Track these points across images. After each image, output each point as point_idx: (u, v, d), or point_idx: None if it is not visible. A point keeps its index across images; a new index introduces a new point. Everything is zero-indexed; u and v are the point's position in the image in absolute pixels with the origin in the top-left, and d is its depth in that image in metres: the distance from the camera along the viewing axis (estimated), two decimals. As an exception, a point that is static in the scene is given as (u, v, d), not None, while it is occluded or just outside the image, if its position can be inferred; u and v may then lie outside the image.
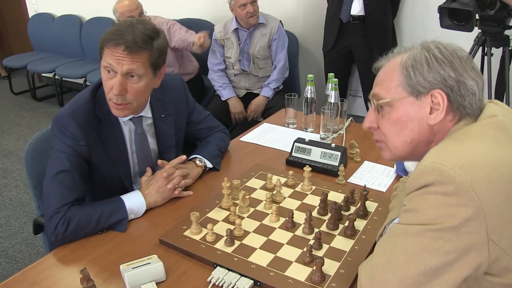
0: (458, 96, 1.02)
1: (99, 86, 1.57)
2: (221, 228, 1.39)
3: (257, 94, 3.41)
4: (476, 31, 2.55)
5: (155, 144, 1.72)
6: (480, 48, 2.57)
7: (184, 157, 1.69)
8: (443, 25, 2.43)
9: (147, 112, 1.65)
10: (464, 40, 2.14)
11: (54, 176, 1.44)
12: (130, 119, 1.61)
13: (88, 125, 1.51)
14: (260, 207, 1.51)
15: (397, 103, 1.06)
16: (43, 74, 5.81)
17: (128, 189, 1.63)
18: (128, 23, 1.48)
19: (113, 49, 1.42)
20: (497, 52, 2.64)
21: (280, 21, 3.38)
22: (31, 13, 5.70)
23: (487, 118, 1.03)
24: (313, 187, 1.62)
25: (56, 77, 5.04)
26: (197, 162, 1.74)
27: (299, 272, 1.21)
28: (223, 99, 3.39)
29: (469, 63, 1.04)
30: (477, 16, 2.45)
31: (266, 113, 3.32)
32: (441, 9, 2.40)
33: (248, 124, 2.88)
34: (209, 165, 1.76)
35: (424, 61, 1.03)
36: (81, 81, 4.84)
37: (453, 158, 0.92)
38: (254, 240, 1.34)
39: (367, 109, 3.36)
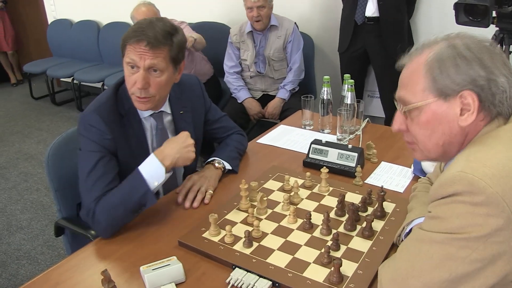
0: (489, 95, 0.97)
1: (120, 84, 1.62)
2: (240, 230, 1.40)
3: (273, 96, 3.41)
4: (494, 28, 2.52)
5: None
6: (498, 46, 2.54)
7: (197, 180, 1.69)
8: (458, 21, 2.40)
9: (166, 108, 1.69)
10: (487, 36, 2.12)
11: (87, 177, 1.48)
12: (151, 115, 1.65)
13: (113, 120, 1.55)
14: (277, 209, 1.52)
15: (425, 107, 1.02)
16: (62, 79, 5.90)
17: None
18: (148, 21, 1.53)
19: (136, 45, 1.47)
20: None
21: (295, 23, 3.39)
22: (50, 19, 5.80)
23: None
24: (330, 188, 1.62)
25: (75, 81, 5.13)
26: (216, 164, 1.75)
27: (317, 273, 1.21)
28: (239, 101, 3.41)
29: (500, 58, 0.99)
30: (494, 14, 2.43)
31: (283, 114, 3.32)
32: (457, 5, 2.37)
33: (265, 126, 2.89)
34: (228, 166, 1.78)
35: (451, 62, 0.98)
36: (99, 85, 4.91)
37: (483, 166, 0.90)
38: (272, 242, 1.35)
39: (384, 109, 3.37)
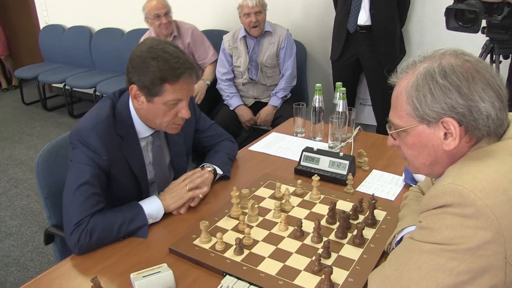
0: (471, 121, 0.97)
1: (116, 102, 1.59)
2: (230, 237, 1.40)
3: (265, 103, 3.42)
4: (484, 38, 2.55)
5: (168, 154, 1.76)
6: (488, 56, 2.56)
7: (198, 169, 1.72)
8: (449, 26, 2.42)
9: None
10: (471, 47, 2.14)
11: (76, 189, 1.43)
12: (151, 134, 1.64)
13: (111, 141, 1.51)
14: (269, 216, 1.52)
15: (410, 130, 1.05)
16: (53, 85, 5.87)
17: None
18: (174, 49, 1.48)
19: (188, 80, 1.48)
20: (506, 60, 2.64)
21: (288, 29, 3.40)
22: (42, 24, 5.78)
23: (511, 137, 1.00)
24: (322, 196, 1.62)
25: (67, 87, 5.11)
26: (206, 168, 1.75)
27: (308, 281, 1.21)
28: (231, 108, 3.41)
29: (481, 82, 0.97)
30: (484, 23, 2.45)
31: (275, 122, 3.33)
32: (447, 11, 2.39)
33: (258, 133, 2.89)
34: (220, 171, 1.77)
35: (428, 91, 0.99)
36: (91, 91, 4.89)
37: (473, 179, 0.91)
38: (263, 249, 1.35)
39: (376, 117, 3.38)
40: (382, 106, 3.32)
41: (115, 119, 1.55)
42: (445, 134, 1.00)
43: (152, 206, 1.53)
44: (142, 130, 1.61)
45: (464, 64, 0.99)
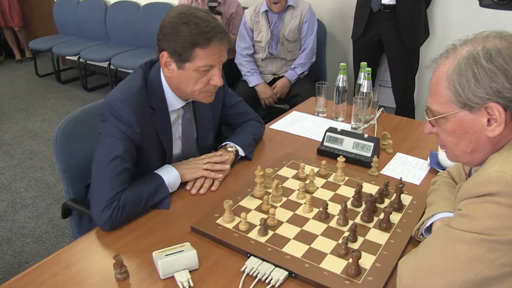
0: None
1: (148, 72, 1.55)
2: (254, 217, 1.37)
3: (282, 78, 3.37)
4: (514, 21, 2.46)
5: (194, 129, 1.72)
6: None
7: (219, 153, 1.69)
8: (482, 3, 2.32)
9: None
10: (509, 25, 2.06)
11: (108, 163, 1.39)
12: (182, 106, 1.61)
13: (144, 114, 1.48)
14: (292, 197, 1.49)
15: (451, 117, 1.00)
16: (67, 57, 5.85)
17: None
18: (205, 14, 1.45)
19: (219, 44, 1.43)
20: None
21: (310, 4, 3.32)
22: (56, -5, 5.72)
23: None
24: (346, 178, 1.59)
25: (81, 60, 5.07)
26: (228, 148, 1.72)
27: (335, 265, 1.19)
28: (250, 85, 3.36)
29: None
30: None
31: (293, 100, 3.28)
32: None
33: (274, 113, 2.84)
34: (242, 153, 1.74)
35: (471, 76, 0.94)
36: (105, 64, 4.85)
37: None
38: (288, 231, 1.32)
39: (395, 100, 3.32)
40: (403, 88, 3.26)
41: (147, 90, 1.52)
42: (489, 120, 0.96)
43: (170, 176, 1.52)
44: (174, 102, 1.57)
45: (510, 46, 0.94)
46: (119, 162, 1.41)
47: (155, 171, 1.53)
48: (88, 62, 5.15)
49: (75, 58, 5.14)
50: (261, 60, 3.38)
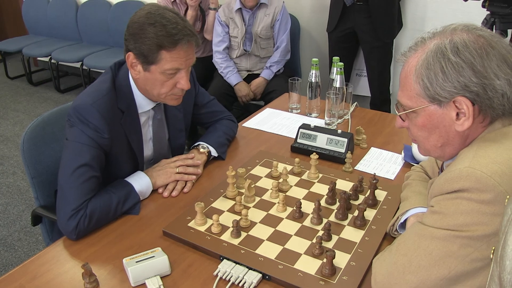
0: (485, 100, 0.92)
1: (116, 75, 1.51)
2: (227, 219, 1.34)
3: (258, 75, 3.35)
4: (485, 12, 2.48)
5: (166, 129, 1.68)
6: (499, 37, 2.49)
7: (192, 155, 1.65)
8: None
9: None
10: (471, 21, 2.07)
11: (74, 171, 1.35)
12: (153, 108, 1.57)
13: (113, 117, 1.44)
14: (266, 196, 1.47)
15: (421, 111, 0.99)
16: (39, 58, 5.71)
17: None
18: (174, 15, 1.40)
19: (186, 47, 1.39)
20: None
21: (283, 2, 3.31)
22: (24, -6, 5.58)
23: None
24: (320, 175, 1.57)
25: (52, 61, 4.95)
26: (200, 149, 1.68)
27: (309, 265, 1.17)
28: (232, 85, 3.34)
29: (496, 59, 0.91)
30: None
31: (268, 96, 3.26)
32: None
33: (247, 110, 2.82)
34: (214, 153, 1.71)
35: (439, 70, 0.93)
36: (77, 65, 4.75)
37: (492, 163, 0.87)
38: (261, 231, 1.30)
39: (370, 90, 3.32)
40: (378, 78, 3.27)
41: (116, 92, 1.47)
42: (457, 114, 0.95)
43: (141, 183, 1.49)
44: (143, 103, 1.53)
45: (477, 39, 0.93)
46: (86, 169, 1.36)
47: (126, 178, 1.49)
48: (60, 63, 5.04)
49: (46, 59, 5.02)
50: (236, 57, 3.36)
